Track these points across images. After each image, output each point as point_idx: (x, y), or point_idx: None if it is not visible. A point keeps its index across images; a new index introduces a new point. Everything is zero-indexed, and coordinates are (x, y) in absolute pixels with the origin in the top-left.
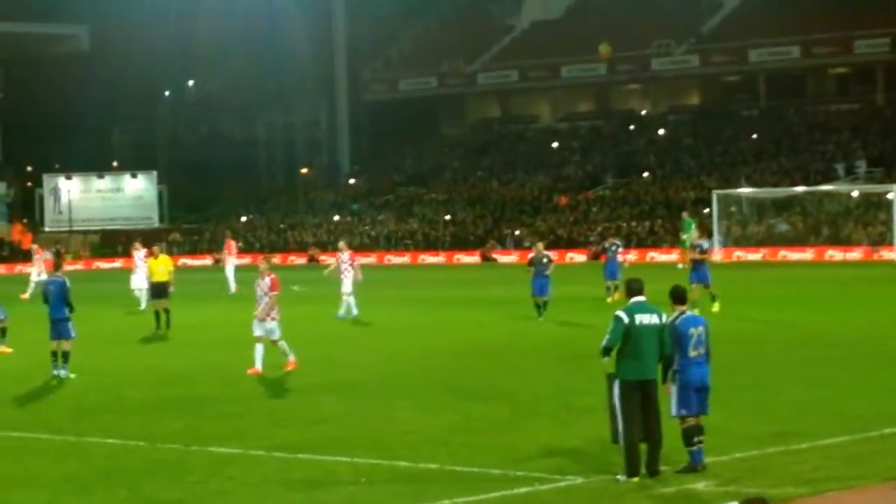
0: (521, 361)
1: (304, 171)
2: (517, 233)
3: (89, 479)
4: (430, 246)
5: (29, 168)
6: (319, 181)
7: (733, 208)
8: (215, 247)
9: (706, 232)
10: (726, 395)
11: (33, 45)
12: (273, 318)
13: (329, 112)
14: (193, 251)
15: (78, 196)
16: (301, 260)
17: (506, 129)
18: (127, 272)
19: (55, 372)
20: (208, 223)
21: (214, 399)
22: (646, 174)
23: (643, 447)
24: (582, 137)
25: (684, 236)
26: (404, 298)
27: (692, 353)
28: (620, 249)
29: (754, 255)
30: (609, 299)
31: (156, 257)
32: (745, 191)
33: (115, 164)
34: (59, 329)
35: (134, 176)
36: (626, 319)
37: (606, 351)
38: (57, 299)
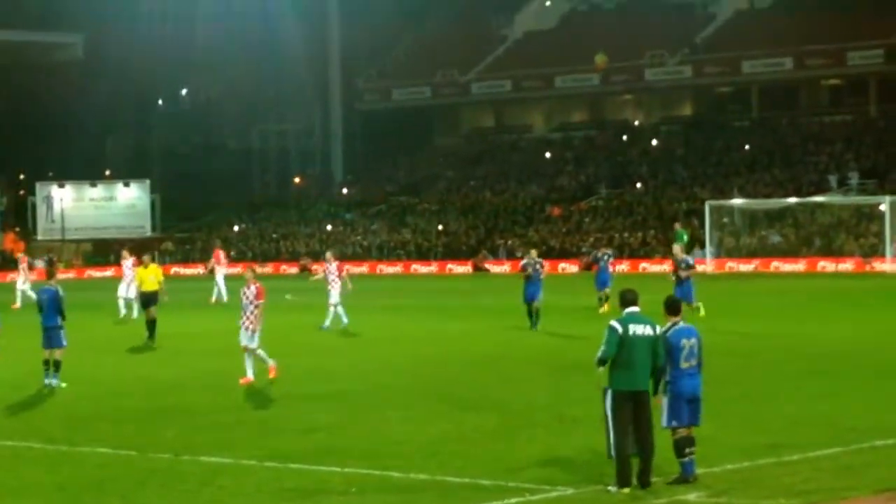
0: (512, 371)
1: (298, 180)
2: (510, 243)
3: (81, 488)
4: (423, 256)
5: (22, 176)
6: (312, 190)
7: (726, 219)
8: (207, 256)
9: (698, 242)
10: (718, 406)
11: (28, 52)
12: (248, 327)
13: (323, 121)
14: (186, 260)
15: (71, 204)
16: (293, 269)
17: (499, 139)
18: (119, 281)
19: (47, 381)
20: (201, 232)
21: (206, 408)
22: (639, 185)
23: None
24: (575, 148)
25: (677, 245)
26: (396, 308)
27: (684, 365)
28: (612, 260)
29: (746, 266)
30: (601, 309)
31: (145, 267)
32: (737, 202)
33: (108, 172)
34: (50, 338)
35: (127, 185)
36: (619, 330)
37: (602, 362)
38: (49, 308)
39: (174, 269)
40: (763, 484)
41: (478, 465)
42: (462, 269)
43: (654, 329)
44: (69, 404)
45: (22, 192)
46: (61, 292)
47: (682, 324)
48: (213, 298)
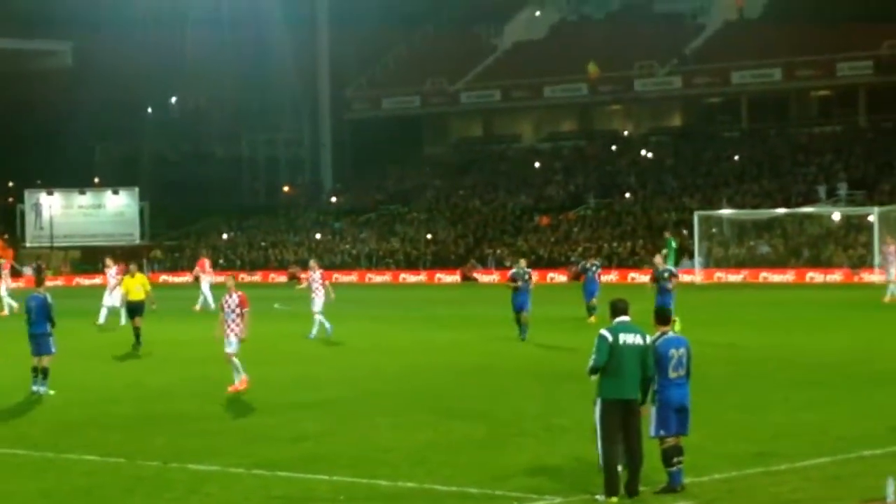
0: (501, 381)
1: (287, 189)
2: (498, 252)
3: (67, 495)
4: (412, 265)
5: (10, 183)
6: (301, 199)
7: (714, 230)
8: (195, 264)
9: (687, 253)
10: (706, 415)
11: (16, 60)
12: (235, 335)
13: (312, 130)
14: (174, 268)
15: (59, 212)
16: (282, 278)
17: (488, 148)
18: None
19: (34, 388)
20: (189, 240)
21: (194, 416)
22: (627, 195)
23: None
24: (564, 157)
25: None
26: (385, 317)
27: (672, 375)
28: (599, 270)
29: (735, 277)
30: (589, 320)
31: (132, 276)
32: (726, 212)
33: (96, 180)
34: (39, 344)
35: (115, 192)
36: (610, 338)
37: (594, 371)
38: (38, 315)
39: (163, 277)
40: (751, 493)
41: (466, 474)
42: (451, 278)
43: (644, 339)
44: (56, 411)
45: (10, 200)
46: (50, 299)
47: (671, 333)
48: (198, 306)
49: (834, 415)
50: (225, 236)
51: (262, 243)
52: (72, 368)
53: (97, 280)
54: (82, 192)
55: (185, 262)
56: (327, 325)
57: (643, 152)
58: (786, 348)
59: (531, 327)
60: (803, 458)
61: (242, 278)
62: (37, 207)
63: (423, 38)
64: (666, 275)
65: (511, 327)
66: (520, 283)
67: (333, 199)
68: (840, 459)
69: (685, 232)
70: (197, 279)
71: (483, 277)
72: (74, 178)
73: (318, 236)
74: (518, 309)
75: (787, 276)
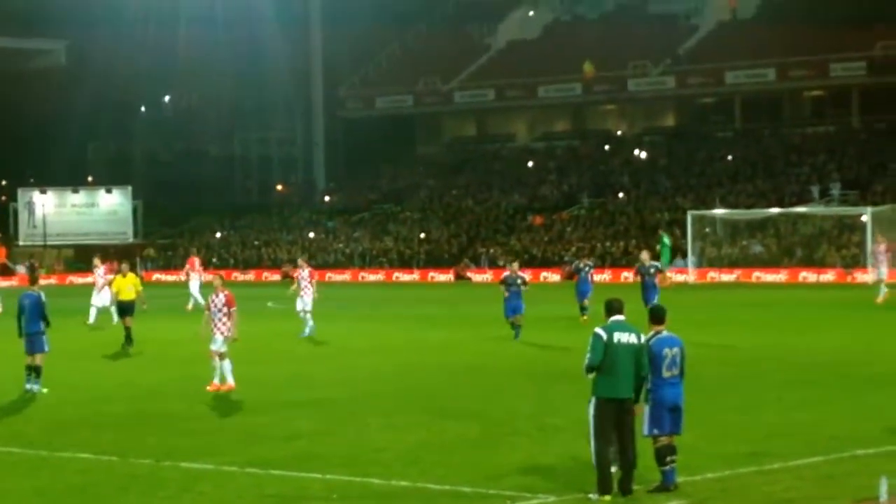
0: (494, 380)
1: (280, 188)
2: (492, 251)
3: (61, 493)
4: (405, 264)
5: (3, 182)
6: (295, 198)
7: (708, 229)
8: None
9: (680, 252)
10: (700, 415)
11: (10, 59)
12: (222, 333)
13: (305, 129)
14: (168, 267)
15: (52, 210)
16: (275, 276)
17: (481, 148)
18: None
19: (28, 386)
20: (182, 239)
21: (186, 415)
22: (621, 194)
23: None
24: (558, 157)
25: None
26: (378, 316)
27: (666, 374)
28: (592, 271)
29: (728, 276)
30: (582, 319)
31: (123, 275)
32: (719, 212)
33: (90, 178)
34: (33, 343)
35: (109, 191)
36: (604, 336)
37: (590, 369)
38: (32, 313)
39: (156, 276)
40: (744, 493)
41: (459, 473)
42: (444, 277)
43: (639, 338)
44: (50, 410)
45: (4, 198)
46: (44, 298)
47: (665, 333)
48: (190, 306)
49: (827, 414)
50: (218, 235)
51: (256, 242)
52: (65, 367)
53: (90, 279)
54: (75, 191)
55: (178, 261)
56: (310, 323)
57: (637, 152)
58: (779, 348)
59: (525, 327)
60: (796, 458)
61: (236, 277)
62: (30, 206)
63: (416, 38)
64: (652, 270)
65: (504, 327)
66: (512, 289)
67: (327, 198)
68: (833, 459)
69: (677, 232)
70: (188, 277)
71: (476, 276)
72: (67, 177)
73: (311, 235)
74: (510, 315)
75: (781, 276)
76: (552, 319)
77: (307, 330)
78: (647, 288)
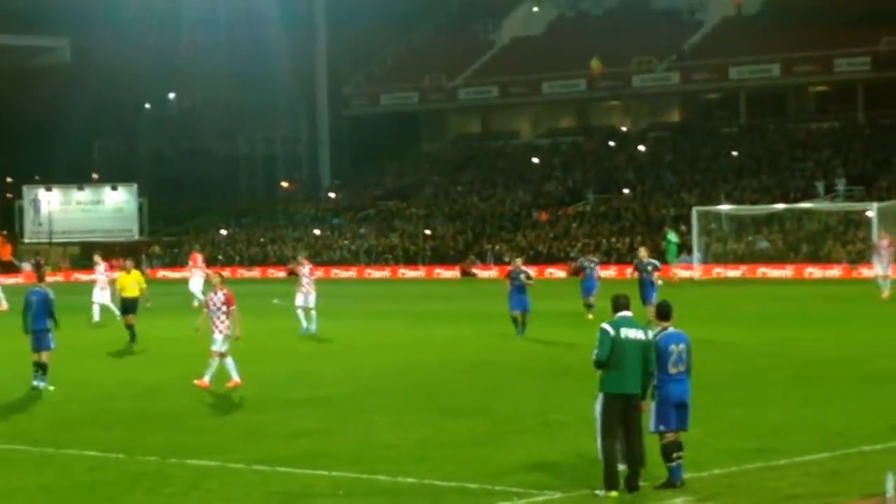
0: (500, 377)
1: (285, 185)
2: (497, 248)
3: (67, 491)
4: (410, 260)
5: (9, 179)
6: (300, 195)
7: (713, 225)
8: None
9: (686, 248)
10: (706, 411)
11: (15, 56)
12: (221, 332)
13: (310, 126)
14: (173, 264)
15: (58, 208)
16: (280, 273)
17: (486, 144)
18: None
19: (34, 383)
20: (188, 236)
21: (193, 412)
22: (626, 190)
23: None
24: (562, 153)
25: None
26: (384, 313)
27: (672, 370)
28: (598, 267)
29: (734, 272)
30: (588, 316)
31: (128, 272)
32: (724, 208)
33: (95, 176)
34: (39, 340)
35: (114, 188)
36: (611, 332)
37: (599, 364)
38: (39, 310)
39: (161, 273)
40: (750, 489)
41: (465, 470)
42: (450, 273)
43: (646, 334)
44: (56, 407)
45: (9, 195)
46: (51, 295)
47: (671, 329)
48: (196, 303)
49: (833, 410)
50: (224, 232)
51: (261, 239)
52: (71, 364)
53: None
54: (81, 188)
55: (183, 258)
56: (303, 322)
57: (641, 148)
58: (785, 344)
59: (529, 324)
60: (803, 454)
61: (241, 274)
62: (35, 203)
63: (421, 35)
64: (650, 268)
65: (510, 323)
66: (516, 282)
67: (332, 196)
68: (840, 455)
69: (683, 227)
70: (192, 274)
71: (482, 273)
72: (73, 174)
73: (316, 232)
74: (515, 308)
75: (786, 272)
76: (557, 316)
77: (312, 327)
78: (644, 285)
